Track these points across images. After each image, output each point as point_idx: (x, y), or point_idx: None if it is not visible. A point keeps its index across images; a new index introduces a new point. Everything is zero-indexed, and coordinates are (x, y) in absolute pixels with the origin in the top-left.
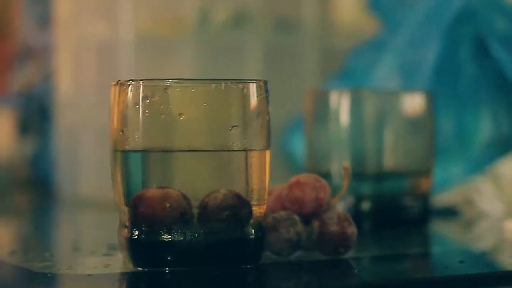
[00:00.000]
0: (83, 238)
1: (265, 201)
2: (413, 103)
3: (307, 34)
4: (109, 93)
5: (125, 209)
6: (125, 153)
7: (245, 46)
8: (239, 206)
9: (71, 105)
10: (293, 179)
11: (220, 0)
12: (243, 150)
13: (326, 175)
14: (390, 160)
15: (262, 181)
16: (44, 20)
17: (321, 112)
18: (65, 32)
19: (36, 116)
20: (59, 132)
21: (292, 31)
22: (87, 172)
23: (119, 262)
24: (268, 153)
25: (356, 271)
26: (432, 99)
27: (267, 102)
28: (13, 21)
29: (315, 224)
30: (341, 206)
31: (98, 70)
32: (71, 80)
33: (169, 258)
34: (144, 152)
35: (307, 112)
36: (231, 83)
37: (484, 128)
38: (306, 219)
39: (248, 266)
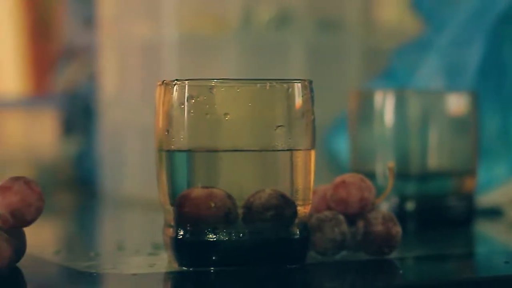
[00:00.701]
0: (127, 238)
1: (310, 201)
2: (458, 103)
3: (350, 34)
4: (153, 92)
5: (170, 208)
6: (170, 153)
7: (288, 45)
8: (283, 206)
9: (115, 105)
10: (338, 179)
11: (263, 0)
12: (288, 150)
13: (371, 175)
14: (434, 160)
15: (307, 181)
16: (88, 19)
17: (366, 112)
18: (109, 32)
19: (80, 116)
20: (103, 132)
21: (335, 30)
22: (131, 171)
23: (164, 262)
24: (313, 153)
25: (400, 271)
26: (476, 99)
27: (312, 102)
28: (57, 20)
29: (360, 224)
30: (385, 206)
31: (142, 69)
32: (115, 80)
33: (214, 257)
34: (189, 152)
35: (351, 112)
36: (276, 83)
37: None
38: (351, 219)
39: (293, 266)
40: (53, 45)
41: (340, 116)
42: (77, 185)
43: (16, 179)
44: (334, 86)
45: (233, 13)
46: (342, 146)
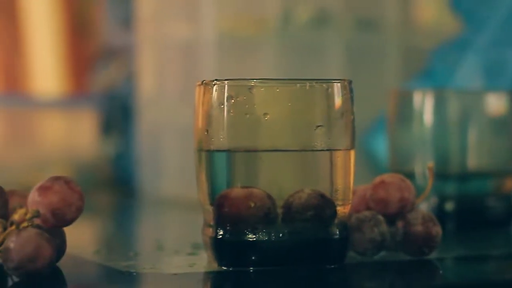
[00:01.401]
0: (166, 237)
1: (350, 201)
2: (497, 102)
3: (389, 34)
4: (192, 92)
5: (210, 208)
6: (210, 152)
7: (326, 45)
8: (323, 206)
9: (153, 105)
10: (378, 179)
11: (302, 0)
12: (327, 150)
13: (410, 176)
14: (474, 160)
15: (347, 181)
16: (127, 19)
17: (405, 112)
18: (148, 32)
19: (118, 115)
20: (142, 132)
21: (374, 30)
22: (169, 171)
23: (204, 261)
24: (352, 153)
25: (440, 271)
26: None
27: (352, 102)
28: (96, 20)
29: (400, 224)
30: (424, 207)
31: (180, 69)
32: (154, 80)
33: (253, 257)
34: (229, 151)
35: (390, 112)
36: (316, 83)
37: None
38: (390, 219)
39: (332, 266)
40: (91, 45)
41: (379, 116)
42: (116, 185)
43: (57, 178)
44: (373, 86)
45: (272, 13)
46: (381, 146)
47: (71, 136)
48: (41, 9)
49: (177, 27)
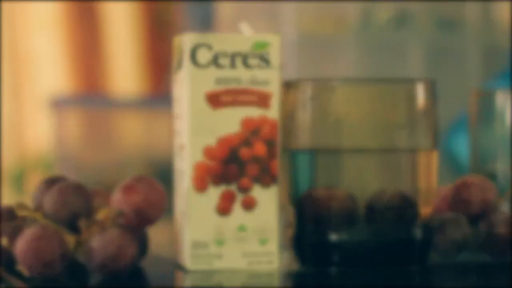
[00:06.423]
0: None
1: (432, 202)
2: None
3: (469, 33)
4: None
5: (291, 208)
6: (293, 152)
7: (407, 45)
8: (405, 207)
9: None
10: (460, 180)
11: (382, 0)
12: (410, 150)
13: (492, 176)
14: None
15: (429, 181)
16: (206, 21)
17: (486, 112)
18: (228, 32)
19: None
20: None
21: (454, 30)
22: None
23: (285, 261)
24: (435, 154)
25: None
26: None
27: (435, 102)
28: (175, 22)
29: (482, 225)
30: (507, 208)
31: None
32: None
33: (335, 258)
34: (312, 151)
35: (472, 112)
36: (399, 82)
37: None
38: (473, 220)
39: (414, 267)
40: (170, 46)
41: (460, 116)
42: None
43: (140, 178)
44: (454, 86)
45: (352, 13)
46: (462, 146)
47: (149, 136)
48: (120, 11)
49: (258, 27)
